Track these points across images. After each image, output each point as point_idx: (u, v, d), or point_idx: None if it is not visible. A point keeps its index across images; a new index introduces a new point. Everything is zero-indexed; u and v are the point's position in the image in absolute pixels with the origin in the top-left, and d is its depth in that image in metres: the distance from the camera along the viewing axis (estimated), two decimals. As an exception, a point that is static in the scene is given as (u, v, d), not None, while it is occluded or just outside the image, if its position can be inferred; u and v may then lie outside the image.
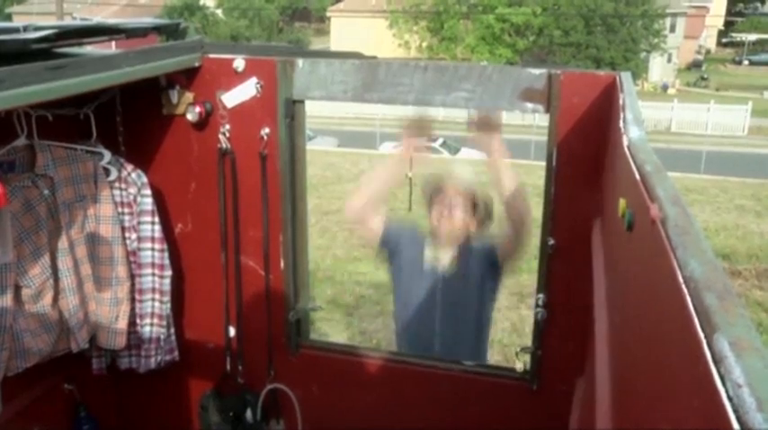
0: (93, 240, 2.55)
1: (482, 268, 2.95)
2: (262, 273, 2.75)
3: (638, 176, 1.13)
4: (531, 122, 21.60)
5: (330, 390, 2.87)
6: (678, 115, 30.05)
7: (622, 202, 1.25)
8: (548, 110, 2.35)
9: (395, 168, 2.94)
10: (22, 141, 2.34)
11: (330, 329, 5.38)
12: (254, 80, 2.55)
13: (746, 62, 48.90)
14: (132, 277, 2.65)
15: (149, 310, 2.69)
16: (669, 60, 41.31)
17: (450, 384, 2.71)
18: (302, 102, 2.60)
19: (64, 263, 2.44)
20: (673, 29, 40.50)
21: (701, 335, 0.62)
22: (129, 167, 2.59)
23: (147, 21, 2.73)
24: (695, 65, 46.47)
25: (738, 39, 50.63)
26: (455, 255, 2.95)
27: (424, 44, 39.25)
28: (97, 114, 2.56)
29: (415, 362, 2.81)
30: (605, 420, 1.22)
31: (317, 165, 13.23)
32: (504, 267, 2.97)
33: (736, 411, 0.50)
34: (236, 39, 40.25)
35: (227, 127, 2.62)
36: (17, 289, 2.35)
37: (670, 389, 0.74)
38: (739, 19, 56.30)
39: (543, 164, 2.44)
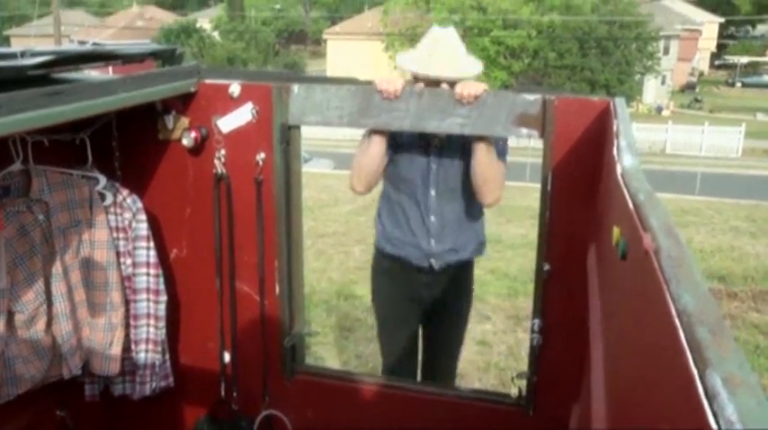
0: (88, 265, 2.54)
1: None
2: (257, 299, 2.74)
3: (631, 205, 1.14)
4: (527, 144, 21.66)
5: (325, 416, 2.84)
6: (673, 137, 30.19)
7: (616, 231, 1.26)
8: (542, 135, 2.36)
9: (381, 139, 2.76)
10: (17, 166, 2.34)
11: (325, 353, 5.34)
12: (249, 105, 2.56)
13: (739, 84, 49.30)
14: (127, 302, 2.64)
15: (144, 336, 2.67)
16: (663, 82, 41.60)
17: (445, 410, 2.69)
18: (298, 127, 2.61)
19: (58, 288, 2.43)
20: (666, 51, 40.82)
21: (694, 370, 0.62)
22: (125, 192, 2.59)
23: (144, 46, 2.74)
24: (689, 87, 46.79)
25: (731, 61, 51.07)
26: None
27: (420, 67, 39.23)
28: (93, 139, 2.57)
29: (411, 388, 2.79)
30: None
31: (312, 187, 13.23)
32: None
33: None
34: (232, 61, 40.49)
35: (223, 152, 2.63)
36: (10, 314, 2.34)
37: (664, 423, 0.74)
38: (731, 42, 56.85)
39: (538, 186, 2.45)
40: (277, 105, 2.53)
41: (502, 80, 33.49)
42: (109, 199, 2.55)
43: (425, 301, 3.03)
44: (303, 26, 59.60)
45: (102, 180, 2.55)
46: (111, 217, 2.57)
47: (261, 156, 2.59)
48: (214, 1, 69.59)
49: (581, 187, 2.32)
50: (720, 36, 55.91)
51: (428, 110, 2.45)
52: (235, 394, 2.85)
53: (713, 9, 54.47)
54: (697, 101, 41.87)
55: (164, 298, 2.68)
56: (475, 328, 5.68)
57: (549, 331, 2.48)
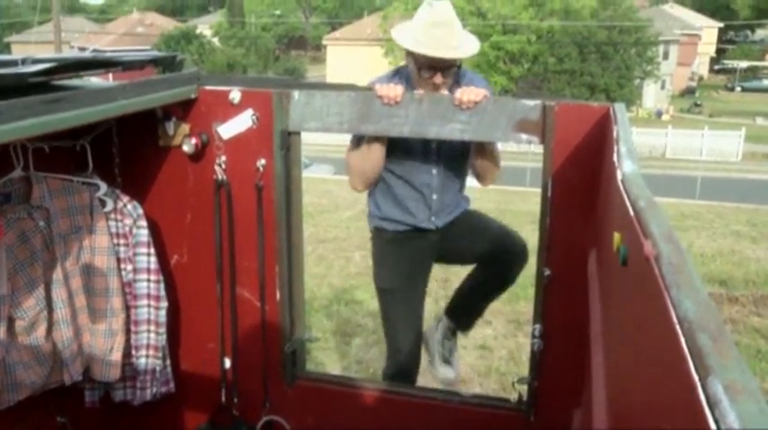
0: (89, 272, 2.54)
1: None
2: (257, 304, 2.74)
3: (631, 212, 1.14)
4: (527, 149, 21.71)
5: (326, 422, 2.84)
6: (673, 141, 30.23)
7: (617, 237, 1.26)
8: (542, 140, 2.36)
9: (382, 146, 2.73)
10: (18, 173, 2.35)
11: (326, 358, 5.34)
12: (249, 112, 2.57)
13: (739, 89, 49.37)
14: (127, 308, 2.64)
15: (145, 342, 2.67)
16: (663, 87, 41.65)
17: (446, 415, 2.69)
18: (298, 133, 2.62)
19: (58, 294, 2.43)
20: (666, 56, 40.90)
21: (696, 377, 0.62)
22: (125, 199, 2.59)
23: (144, 53, 2.75)
24: (688, 91, 46.84)
25: (730, 66, 51.16)
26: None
27: (420, 72, 39.30)
28: (94, 146, 2.57)
29: (411, 393, 2.79)
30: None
31: (312, 192, 13.23)
32: None
33: None
34: (232, 67, 40.56)
35: (223, 158, 2.63)
36: (10, 321, 2.34)
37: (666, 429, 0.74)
38: (730, 46, 56.94)
39: (539, 190, 2.45)
40: (277, 111, 2.54)
41: (501, 85, 33.52)
42: (109, 205, 2.56)
43: (434, 251, 2.97)
44: (303, 32, 59.75)
45: (103, 186, 2.55)
46: (112, 223, 2.58)
47: (261, 162, 2.59)
48: (214, 7, 69.77)
49: (581, 193, 2.32)
50: (720, 41, 56.06)
51: (428, 116, 2.45)
52: (235, 400, 2.85)
53: (712, 14, 54.67)
54: (697, 105, 41.93)
55: (164, 304, 2.68)
56: (475, 333, 5.68)
57: (549, 336, 2.48)
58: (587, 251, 2.24)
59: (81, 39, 45.42)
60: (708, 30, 51.15)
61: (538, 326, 2.49)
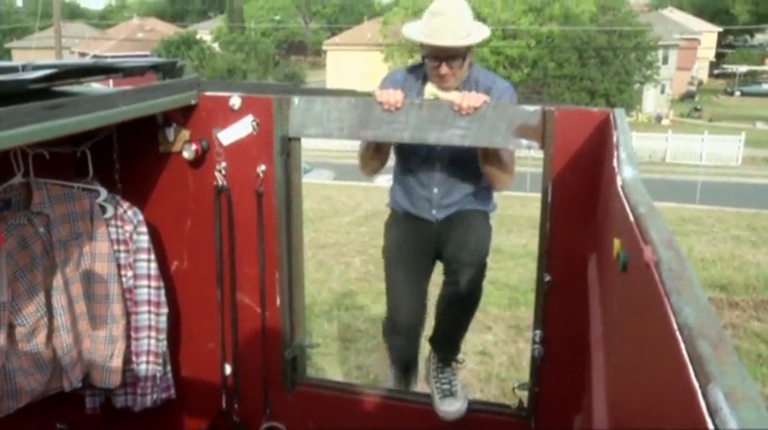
0: (89, 278, 2.54)
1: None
2: (258, 310, 2.74)
3: (631, 218, 1.14)
4: (527, 154, 21.71)
5: (327, 428, 2.84)
6: (673, 146, 30.22)
7: (617, 243, 1.26)
8: (542, 146, 2.36)
9: (382, 151, 2.81)
10: (18, 179, 2.35)
11: (326, 364, 5.34)
12: (250, 118, 2.57)
13: (738, 93, 49.39)
14: (128, 315, 2.64)
15: (145, 348, 2.67)
16: (662, 91, 41.68)
17: (447, 421, 2.69)
18: (298, 139, 2.62)
19: (58, 301, 2.43)
20: (665, 61, 40.94)
21: (696, 384, 0.62)
22: (126, 205, 2.59)
23: (145, 59, 2.75)
24: (688, 96, 46.87)
25: (730, 70, 51.21)
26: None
27: (420, 77, 39.40)
28: (94, 152, 2.57)
29: (412, 399, 2.78)
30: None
31: (312, 198, 13.24)
32: None
33: None
34: (232, 72, 40.60)
35: (224, 164, 2.63)
36: (10, 327, 2.34)
37: (667, 437, 0.74)
38: (730, 51, 57.01)
39: (539, 196, 2.45)
40: (277, 117, 2.54)
41: (501, 90, 33.54)
42: (110, 211, 2.56)
43: (434, 240, 2.96)
44: (303, 37, 59.81)
45: (103, 193, 2.55)
46: (112, 229, 2.58)
47: (261, 168, 2.59)
48: (214, 12, 69.93)
49: (581, 198, 2.32)
50: (719, 45, 56.11)
51: (428, 122, 2.45)
52: (236, 406, 2.85)
53: (711, 18, 54.72)
54: (696, 110, 41.94)
55: (165, 310, 2.68)
56: (476, 339, 5.67)
57: (550, 342, 2.48)
58: (587, 257, 2.24)
59: (81, 44, 45.51)
60: (707, 34, 51.21)
61: (538, 331, 2.48)
